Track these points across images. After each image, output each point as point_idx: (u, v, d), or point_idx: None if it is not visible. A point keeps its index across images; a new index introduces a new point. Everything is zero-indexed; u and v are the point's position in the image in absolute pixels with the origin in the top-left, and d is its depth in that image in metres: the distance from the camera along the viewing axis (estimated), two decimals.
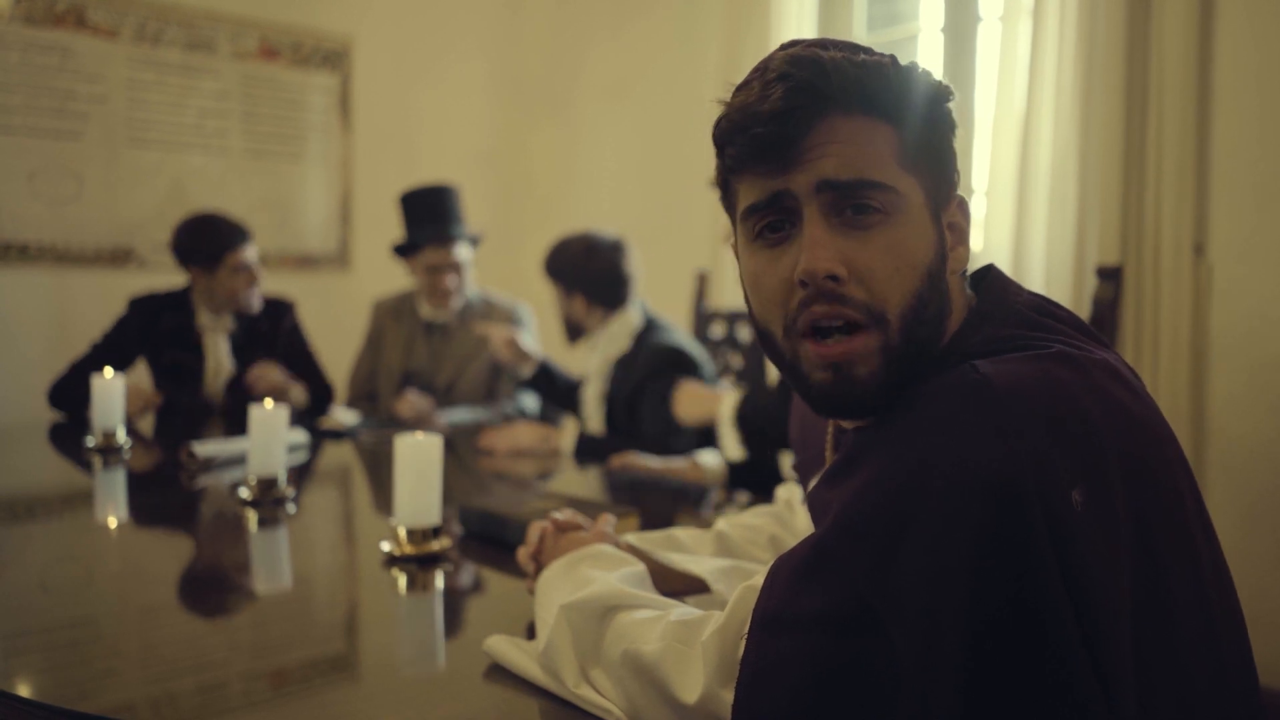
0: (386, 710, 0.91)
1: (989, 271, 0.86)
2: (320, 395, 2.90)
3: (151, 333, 2.79)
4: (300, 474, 2.04)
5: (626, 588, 0.90)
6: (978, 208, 2.80)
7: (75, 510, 1.84)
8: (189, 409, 2.74)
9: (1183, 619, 0.72)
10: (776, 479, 2.16)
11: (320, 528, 1.71)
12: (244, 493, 1.68)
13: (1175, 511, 0.74)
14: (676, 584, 1.09)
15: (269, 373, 2.75)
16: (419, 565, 1.33)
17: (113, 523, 1.71)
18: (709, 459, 2.20)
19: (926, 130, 0.80)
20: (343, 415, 2.59)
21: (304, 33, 3.79)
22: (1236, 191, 2.35)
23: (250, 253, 2.76)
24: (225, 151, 3.63)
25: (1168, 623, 0.70)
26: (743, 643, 0.74)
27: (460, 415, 2.68)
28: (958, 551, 0.65)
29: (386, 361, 2.98)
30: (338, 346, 3.43)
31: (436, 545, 1.35)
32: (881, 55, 0.80)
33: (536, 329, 3.01)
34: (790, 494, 1.26)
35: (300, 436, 2.22)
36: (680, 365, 2.42)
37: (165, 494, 1.90)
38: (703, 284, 3.03)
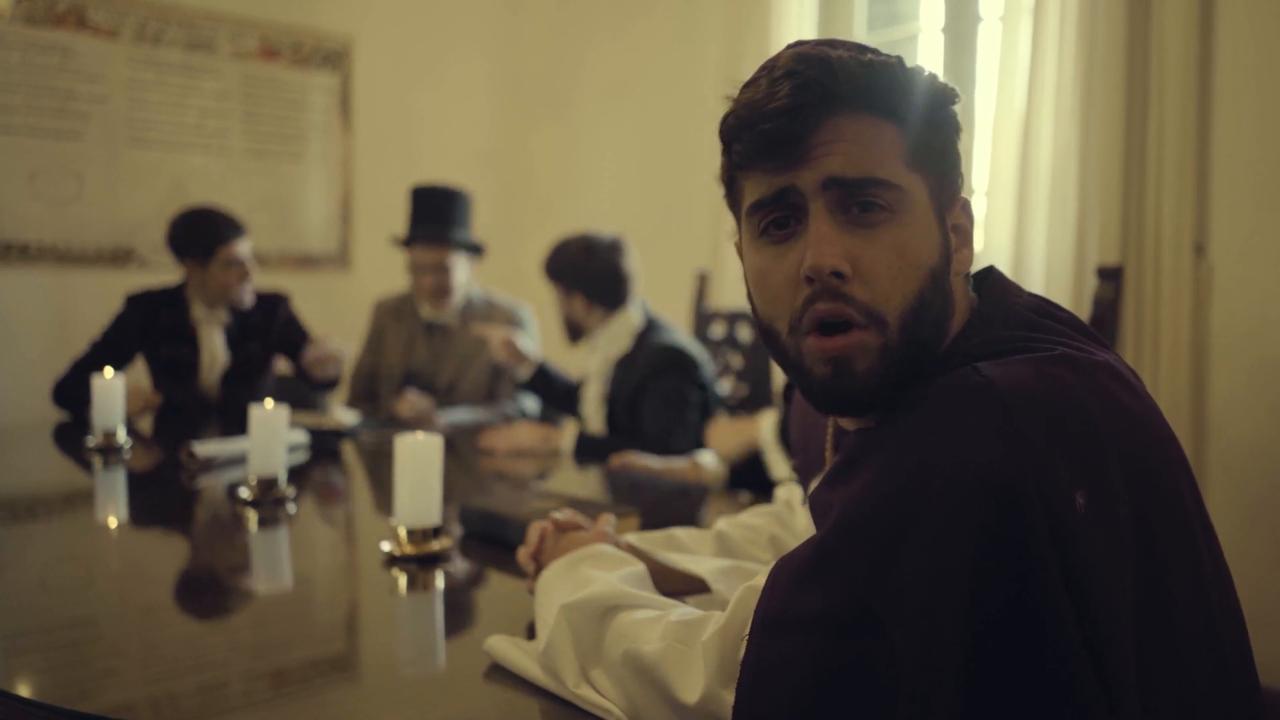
0: (387, 710, 0.91)
1: (990, 273, 0.86)
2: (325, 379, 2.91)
3: (149, 329, 2.80)
4: (300, 474, 2.04)
5: (627, 588, 0.90)
6: (978, 208, 2.80)
7: (75, 510, 1.84)
8: (186, 404, 2.75)
9: (1184, 619, 0.72)
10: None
11: (320, 528, 1.71)
12: (244, 493, 1.68)
13: (1176, 512, 0.74)
14: (677, 584, 1.09)
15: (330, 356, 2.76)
16: (419, 565, 1.33)
17: (113, 523, 1.71)
18: (709, 459, 2.20)
19: (932, 131, 0.80)
20: (343, 415, 2.59)
21: (304, 33, 3.79)
22: (1237, 191, 2.35)
23: (243, 247, 2.76)
24: (226, 151, 3.63)
25: (1169, 623, 0.71)
26: (744, 643, 0.74)
27: (461, 416, 2.68)
28: (958, 552, 0.65)
29: (387, 361, 2.98)
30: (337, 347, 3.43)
31: (437, 545, 1.35)
32: (889, 56, 0.81)
33: (538, 330, 3.01)
34: (790, 494, 1.26)
35: (300, 436, 2.22)
36: (681, 365, 2.42)
37: (165, 494, 1.90)
38: (703, 284, 3.03)
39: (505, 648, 0.96)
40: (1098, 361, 0.75)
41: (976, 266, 0.88)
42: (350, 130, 3.94)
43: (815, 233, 0.76)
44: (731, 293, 3.32)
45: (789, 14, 3.18)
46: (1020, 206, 2.63)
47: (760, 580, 0.77)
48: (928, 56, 3.13)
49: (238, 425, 2.67)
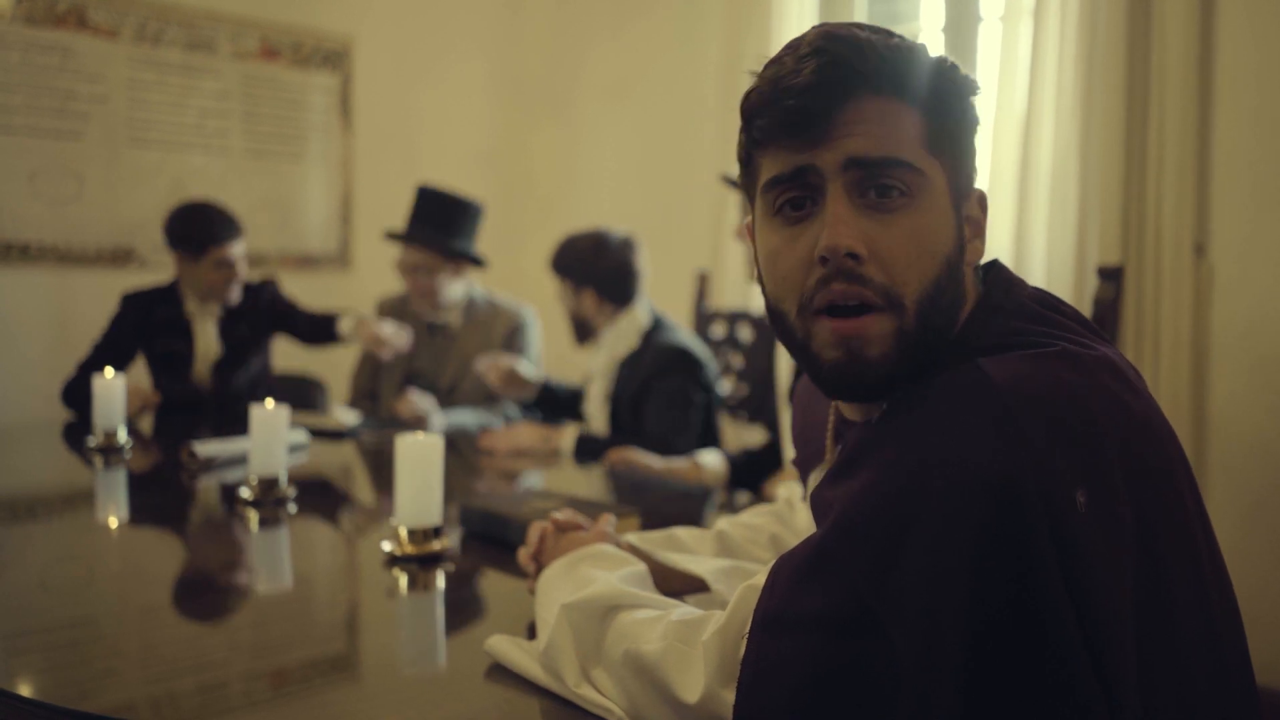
0: (387, 710, 0.91)
1: (993, 266, 0.86)
2: (323, 326, 2.91)
3: (145, 325, 2.81)
4: (301, 474, 2.04)
5: (628, 587, 0.90)
6: None
7: (76, 510, 1.84)
8: (182, 397, 2.76)
9: (1183, 619, 0.72)
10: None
11: (321, 528, 1.71)
12: (245, 493, 1.68)
13: (1176, 511, 0.74)
14: (677, 584, 1.09)
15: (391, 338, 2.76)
16: (420, 565, 1.33)
17: (113, 523, 1.71)
18: (710, 459, 2.20)
19: (953, 119, 0.80)
20: (343, 415, 2.59)
21: (304, 33, 3.79)
22: (1237, 191, 2.35)
23: (235, 249, 2.76)
24: (226, 151, 3.63)
25: (1169, 623, 0.71)
26: (744, 643, 0.74)
27: (461, 416, 2.68)
28: (958, 552, 0.65)
29: (389, 361, 2.98)
30: (338, 346, 3.43)
31: (437, 545, 1.35)
32: (914, 42, 0.80)
33: (540, 332, 3.01)
34: (790, 492, 1.26)
35: (301, 436, 2.22)
36: (686, 365, 2.42)
37: (166, 494, 1.90)
38: (703, 284, 3.03)
39: (506, 647, 0.96)
40: (1098, 358, 0.75)
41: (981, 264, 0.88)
42: (350, 130, 3.94)
43: (832, 213, 0.76)
44: (732, 293, 3.32)
45: (789, 14, 3.18)
46: (1021, 206, 2.63)
47: (760, 579, 0.77)
48: None
49: (231, 413, 2.69)
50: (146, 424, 2.61)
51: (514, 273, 4.07)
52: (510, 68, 4.35)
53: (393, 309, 3.02)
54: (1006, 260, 2.64)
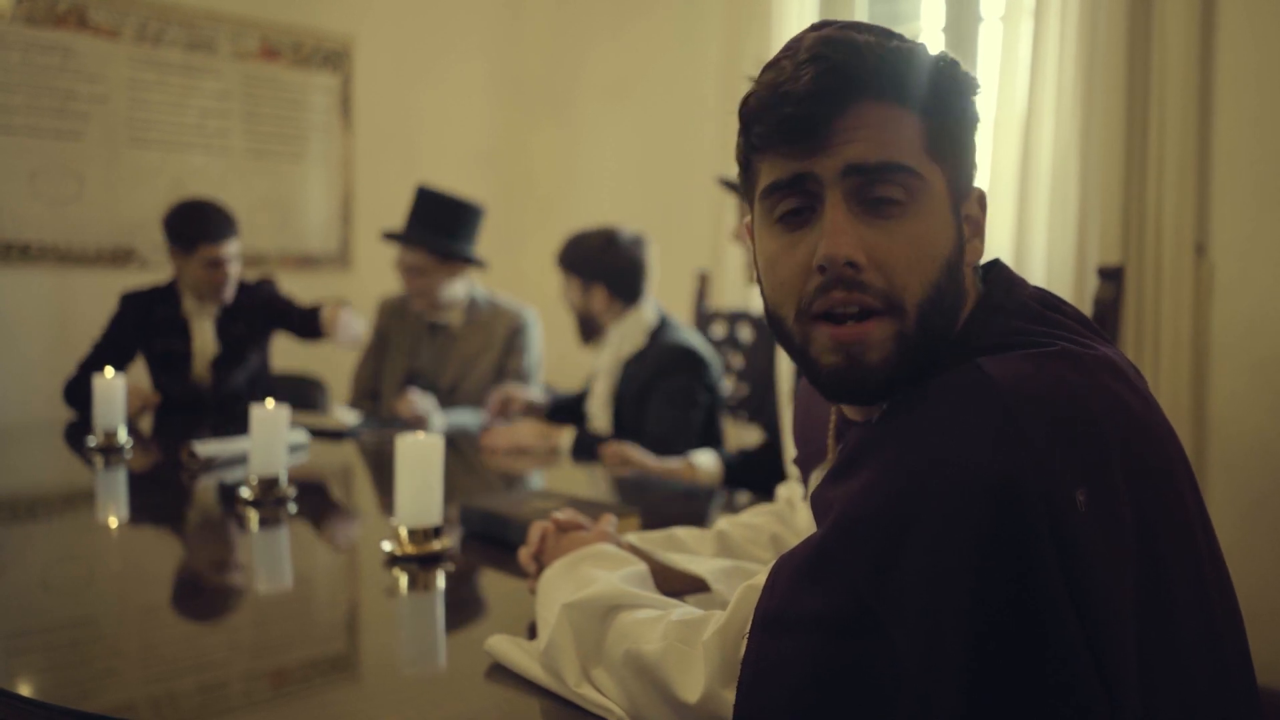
0: (387, 710, 0.91)
1: (994, 266, 0.86)
2: (311, 320, 2.90)
3: (144, 325, 2.81)
4: (301, 474, 2.04)
5: (628, 587, 0.90)
6: None
7: (76, 510, 1.84)
8: (181, 396, 2.76)
9: (1184, 619, 0.71)
10: (773, 478, 2.16)
11: (321, 527, 1.71)
12: (245, 492, 1.68)
13: (1177, 511, 0.74)
14: (677, 584, 1.09)
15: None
16: (420, 565, 1.33)
17: (114, 522, 1.71)
18: (704, 459, 2.20)
19: (953, 121, 0.80)
20: (344, 415, 2.59)
21: (305, 33, 3.79)
22: (1237, 191, 2.35)
23: (228, 249, 2.75)
24: (226, 151, 3.63)
25: (1170, 623, 0.70)
26: (744, 643, 0.74)
27: (462, 416, 2.68)
28: (959, 552, 0.65)
29: (391, 361, 2.98)
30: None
31: (438, 545, 1.35)
32: (914, 42, 0.80)
33: (541, 332, 3.01)
34: (791, 492, 1.26)
35: (301, 436, 2.22)
36: (691, 365, 2.42)
37: (166, 494, 1.90)
38: (703, 284, 3.03)
39: (506, 647, 0.96)
40: (1099, 358, 0.75)
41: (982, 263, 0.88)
42: (350, 130, 3.94)
43: (830, 222, 0.75)
44: (732, 293, 3.32)
45: (789, 14, 3.18)
46: (1021, 206, 2.63)
47: (761, 579, 0.77)
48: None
49: (229, 412, 2.69)
50: (146, 424, 2.61)
51: (514, 273, 4.07)
52: (510, 68, 4.35)
53: (393, 309, 3.03)
54: (1007, 260, 2.62)
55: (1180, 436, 0.78)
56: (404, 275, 2.83)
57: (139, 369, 2.86)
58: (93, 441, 2.15)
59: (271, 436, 1.68)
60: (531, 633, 1.05)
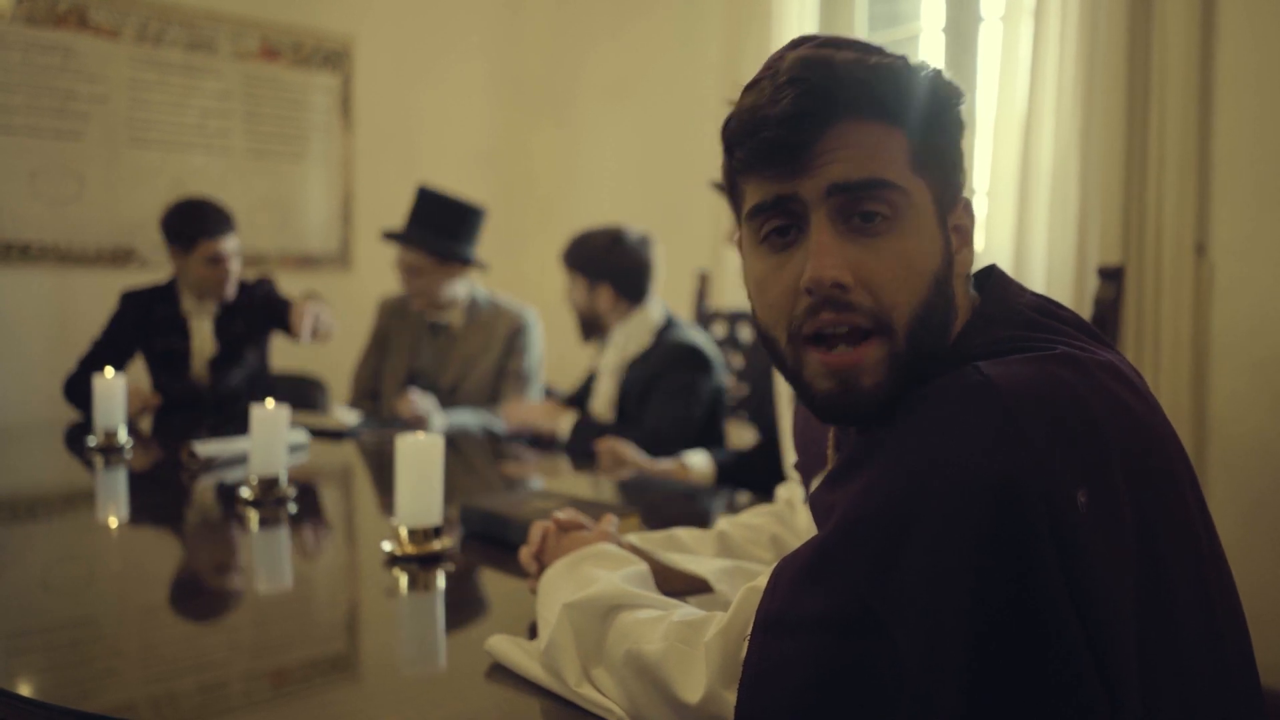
0: (387, 710, 0.91)
1: (991, 272, 0.86)
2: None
3: (144, 323, 2.82)
4: (301, 474, 2.04)
5: (629, 587, 0.90)
6: (979, 208, 2.80)
7: (77, 510, 1.84)
8: (181, 395, 2.76)
9: (1186, 619, 0.71)
10: (767, 479, 2.16)
11: (321, 527, 1.71)
12: (245, 492, 1.68)
13: (1178, 511, 0.74)
14: (678, 584, 1.09)
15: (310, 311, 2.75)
16: (420, 565, 1.33)
17: (114, 522, 1.71)
18: (697, 460, 2.20)
19: (937, 134, 0.79)
20: (344, 415, 2.59)
21: (305, 33, 3.79)
22: (1238, 190, 2.35)
23: (227, 244, 2.77)
24: (226, 151, 3.63)
25: (1171, 623, 0.70)
26: (746, 644, 0.74)
27: (462, 417, 2.68)
28: (960, 553, 0.65)
29: (392, 361, 2.98)
30: (339, 346, 3.43)
31: (438, 545, 1.35)
32: (894, 56, 0.79)
33: (542, 333, 3.00)
34: (791, 493, 1.26)
35: (301, 436, 2.22)
36: (695, 363, 2.42)
37: (166, 494, 1.90)
38: (703, 284, 3.03)
39: (507, 647, 0.96)
40: (1100, 360, 0.75)
41: (977, 266, 0.88)
42: (351, 130, 3.94)
43: (816, 243, 0.75)
44: (732, 293, 3.32)
45: (789, 14, 3.18)
46: (1021, 206, 2.63)
47: (762, 581, 0.77)
48: (929, 56, 3.13)
49: (227, 410, 2.69)
50: (146, 424, 2.61)
51: (514, 273, 4.07)
52: (510, 68, 4.35)
53: (394, 308, 3.03)
54: (1007, 260, 2.64)
55: (1180, 437, 0.78)
56: (403, 275, 2.84)
57: (138, 368, 2.86)
58: (93, 441, 2.15)
59: (271, 436, 1.68)
60: (532, 632, 1.05)
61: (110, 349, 2.78)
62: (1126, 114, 2.41)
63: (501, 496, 1.65)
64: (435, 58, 4.14)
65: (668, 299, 3.02)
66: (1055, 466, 0.66)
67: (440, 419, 2.58)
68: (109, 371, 2.23)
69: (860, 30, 3.28)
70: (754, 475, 2.21)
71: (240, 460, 1.99)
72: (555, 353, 3.51)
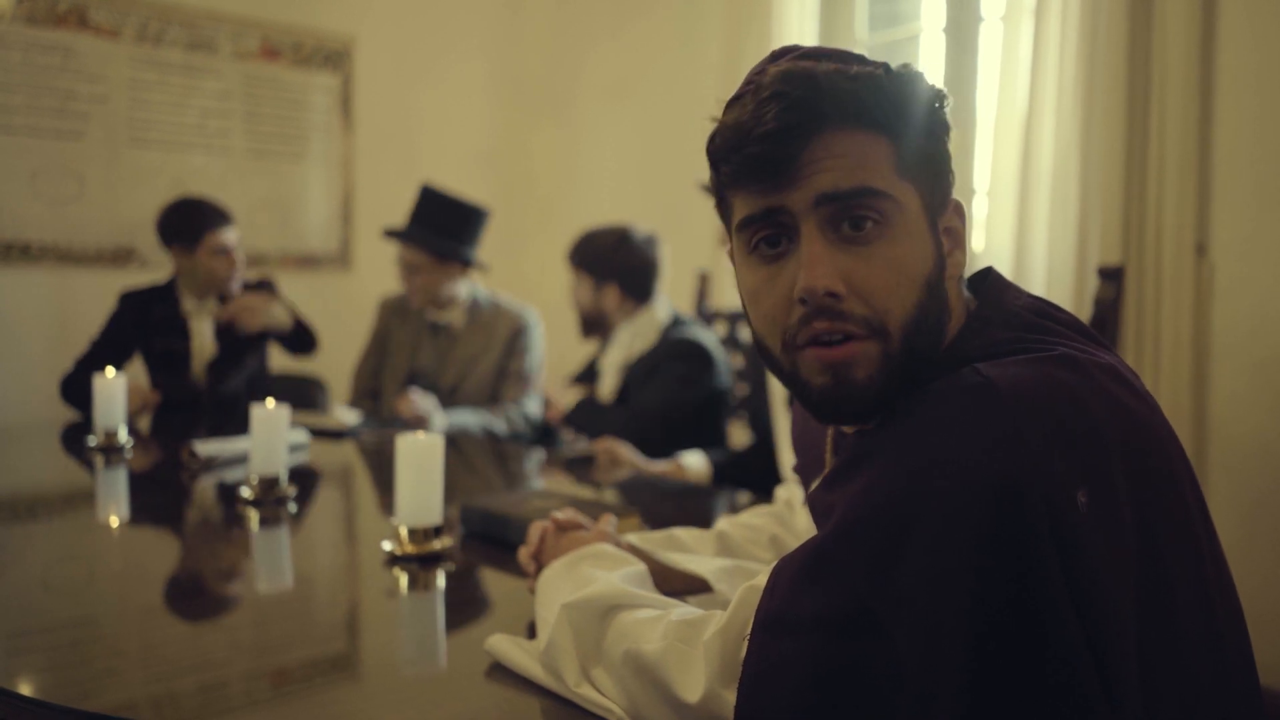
0: (387, 710, 0.91)
1: (988, 274, 0.86)
2: (309, 334, 2.95)
3: (143, 323, 2.82)
4: (301, 473, 2.04)
5: (628, 587, 0.90)
6: (979, 208, 2.80)
7: (77, 510, 1.84)
8: (179, 396, 2.76)
9: (1186, 620, 0.72)
10: (763, 480, 2.17)
11: (322, 527, 1.71)
12: (245, 492, 1.68)
13: (1178, 512, 0.74)
14: (677, 584, 1.09)
15: (254, 311, 2.79)
16: (420, 564, 1.33)
17: (114, 522, 1.71)
18: (693, 460, 2.20)
19: (922, 138, 0.79)
20: (344, 415, 2.59)
21: (305, 33, 3.80)
22: (1238, 191, 2.35)
23: (230, 236, 2.79)
24: (227, 151, 3.63)
25: (1171, 624, 0.70)
26: (745, 643, 0.74)
27: (463, 417, 2.68)
28: (959, 553, 0.65)
29: (392, 360, 2.98)
30: (339, 346, 3.43)
31: (438, 544, 1.35)
32: (875, 65, 0.80)
33: (543, 334, 3.01)
34: (790, 494, 1.26)
35: (301, 436, 2.22)
36: (697, 356, 2.42)
37: (166, 493, 1.90)
38: (704, 284, 3.03)
39: (506, 647, 0.96)
40: (1099, 362, 0.75)
41: (978, 267, 0.88)
42: (351, 130, 3.94)
43: (807, 253, 0.76)
44: (732, 293, 3.31)
45: (789, 14, 3.18)
46: (1021, 206, 2.62)
47: (761, 580, 0.77)
48: (929, 56, 3.13)
49: (226, 412, 2.69)
50: (146, 423, 2.62)
51: (514, 273, 4.07)
52: (510, 68, 4.35)
53: (394, 308, 3.03)
54: (1007, 261, 2.64)
55: (1180, 437, 0.78)
56: (403, 272, 2.84)
57: (136, 368, 2.86)
58: (93, 441, 2.15)
59: (271, 436, 1.68)
60: (531, 632, 1.05)
61: (108, 349, 2.79)
62: (1126, 114, 2.41)
63: (501, 496, 1.65)
64: (435, 58, 4.14)
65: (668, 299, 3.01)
66: (1055, 467, 0.66)
67: (441, 419, 2.58)
68: (109, 371, 2.23)
69: (860, 30, 3.28)
70: (749, 476, 2.21)
71: (240, 460, 1.99)
72: (556, 353, 3.51)
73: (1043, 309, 0.82)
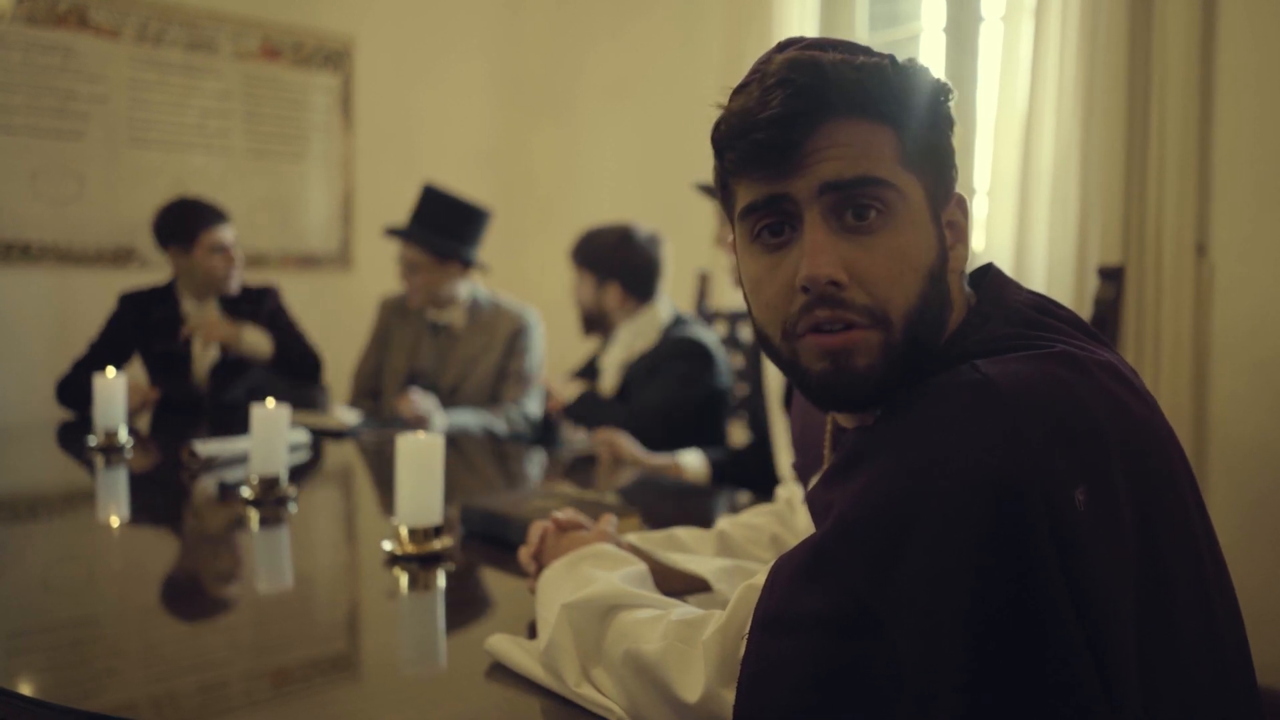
0: (388, 709, 0.91)
1: (989, 270, 0.86)
2: (307, 362, 2.92)
3: (143, 325, 2.82)
4: (302, 473, 2.04)
5: (628, 587, 0.90)
6: (980, 208, 2.80)
7: (77, 509, 1.84)
8: (179, 398, 2.76)
9: (1185, 619, 0.71)
10: (760, 479, 2.16)
11: (322, 527, 1.71)
12: (246, 492, 1.68)
13: (1177, 511, 0.74)
14: (677, 584, 1.09)
15: (213, 326, 2.76)
16: (420, 564, 1.33)
17: (114, 522, 1.71)
18: (691, 459, 2.20)
19: (926, 130, 0.80)
20: (344, 415, 2.59)
21: (305, 33, 3.80)
22: (1238, 191, 2.35)
23: (227, 233, 2.79)
24: (227, 151, 3.63)
25: (1170, 623, 0.70)
26: (744, 643, 0.74)
27: (463, 417, 2.68)
28: (958, 552, 0.65)
29: (392, 360, 2.98)
30: (340, 346, 3.43)
31: (438, 544, 1.35)
32: (880, 56, 0.80)
33: (543, 334, 3.01)
34: (791, 493, 1.26)
35: (302, 436, 2.22)
36: (698, 355, 2.42)
37: (167, 493, 1.90)
38: (704, 284, 3.03)
39: (506, 647, 0.96)
40: (1099, 360, 0.75)
41: (977, 265, 0.88)
42: (351, 130, 3.94)
43: (810, 242, 0.76)
44: (732, 293, 3.32)
45: (789, 14, 3.18)
46: (1022, 206, 2.62)
47: (760, 579, 0.77)
48: (929, 56, 3.13)
49: (228, 418, 2.68)
50: (145, 422, 2.61)
51: (514, 273, 4.07)
52: (510, 68, 4.35)
53: (395, 307, 3.03)
54: (1007, 260, 2.64)
55: (1180, 437, 0.78)
56: (403, 271, 2.84)
57: (135, 370, 2.86)
58: (93, 441, 2.15)
59: (272, 436, 1.68)
60: (531, 632, 1.05)
61: (107, 351, 2.78)
62: (1126, 114, 2.41)
63: (501, 496, 1.65)
64: (435, 58, 4.14)
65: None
66: (1054, 465, 0.66)
67: (441, 419, 2.58)
68: (110, 371, 2.23)
69: (860, 30, 3.28)
70: (748, 475, 2.21)
71: (240, 460, 1.99)
72: (556, 353, 3.51)
73: (1043, 305, 0.82)
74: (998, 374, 0.70)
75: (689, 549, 1.17)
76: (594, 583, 0.92)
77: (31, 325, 3.26)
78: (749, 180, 0.79)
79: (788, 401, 2.07)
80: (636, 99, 3.95)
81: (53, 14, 3.22)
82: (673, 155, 3.77)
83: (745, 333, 2.79)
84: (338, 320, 3.66)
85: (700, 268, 3.17)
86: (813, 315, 0.76)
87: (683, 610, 0.86)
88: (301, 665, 1.02)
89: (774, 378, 2.20)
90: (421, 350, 2.93)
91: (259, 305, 2.91)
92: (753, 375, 2.71)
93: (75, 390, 2.64)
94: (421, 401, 2.56)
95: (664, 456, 2.20)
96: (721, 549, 1.18)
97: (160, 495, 1.90)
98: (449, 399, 2.81)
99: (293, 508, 1.67)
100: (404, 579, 1.30)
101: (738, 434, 2.86)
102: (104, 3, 3.32)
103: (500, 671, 0.96)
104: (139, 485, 1.97)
